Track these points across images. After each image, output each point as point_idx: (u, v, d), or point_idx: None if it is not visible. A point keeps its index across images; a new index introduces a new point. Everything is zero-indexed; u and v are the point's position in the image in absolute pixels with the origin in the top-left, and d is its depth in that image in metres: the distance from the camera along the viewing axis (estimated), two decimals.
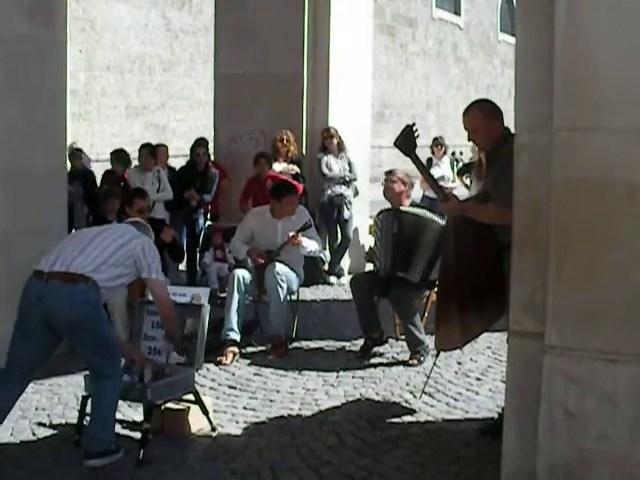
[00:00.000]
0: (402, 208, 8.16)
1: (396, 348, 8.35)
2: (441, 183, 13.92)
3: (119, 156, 12.35)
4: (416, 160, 6.04)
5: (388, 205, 8.40)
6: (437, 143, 15.93)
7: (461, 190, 13.41)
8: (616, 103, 4.14)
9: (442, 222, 7.77)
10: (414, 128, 5.94)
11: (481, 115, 5.86)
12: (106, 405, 5.60)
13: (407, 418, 6.54)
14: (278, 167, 11.52)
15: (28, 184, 7.84)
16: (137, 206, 8.57)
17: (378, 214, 8.37)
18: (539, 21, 4.48)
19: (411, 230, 8.02)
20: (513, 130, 4.87)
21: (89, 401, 5.95)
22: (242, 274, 8.35)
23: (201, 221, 11.94)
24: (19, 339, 5.54)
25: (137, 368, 6.01)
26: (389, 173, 8.42)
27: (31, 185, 7.87)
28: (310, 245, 8.73)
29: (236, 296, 8.23)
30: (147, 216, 8.67)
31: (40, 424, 6.37)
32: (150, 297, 6.52)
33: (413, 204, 8.38)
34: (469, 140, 5.96)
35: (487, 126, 5.83)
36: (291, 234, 8.53)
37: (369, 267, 9.44)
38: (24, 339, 5.53)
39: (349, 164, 12.07)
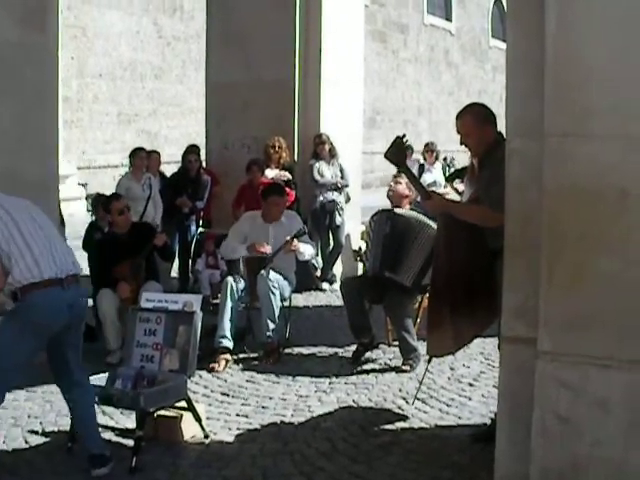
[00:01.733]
0: (397, 210, 8.18)
1: (388, 354, 8.36)
2: (433, 189, 14.02)
3: None
4: (407, 171, 6.08)
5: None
6: (428, 149, 15.96)
7: (452, 196, 13.40)
8: (607, 109, 4.15)
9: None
10: (404, 139, 5.97)
11: (474, 120, 5.87)
12: (94, 409, 5.65)
13: (400, 424, 6.54)
14: (270, 173, 11.52)
15: (20, 190, 7.80)
16: (115, 208, 8.59)
17: (373, 215, 8.40)
18: (529, 27, 4.49)
19: (403, 232, 8.01)
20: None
21: None
22: (235, 281, 8.35)
23: (193, 228, 11.93)
24: (28, 348, 5.33)
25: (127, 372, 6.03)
26: (398, 175, 8.47)
27: (23, 191, 7.83)
28: (307, 250, 8.74)
29: (229, 303, 8.22)
30: (129, 216, 8.67)
31: (32, 432, 6.36)
32: (142, 304, 6.52)
33: (411, 208, 8.39)
34: (461, 144, 5.98)
35: (479, 131, 5.84)
36: (287, 238, 8.53)
37: (361, 272, 9.41)
38: (33, 350, 5.40)
39: (341, 170, 12.08)
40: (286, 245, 8.52)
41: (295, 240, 8.57)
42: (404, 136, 6.01)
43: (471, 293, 5.85)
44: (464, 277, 5.87)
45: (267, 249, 8.53)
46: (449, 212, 6.00)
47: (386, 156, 6.02)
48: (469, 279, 5.86)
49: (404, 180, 8.28)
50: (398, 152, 5.98)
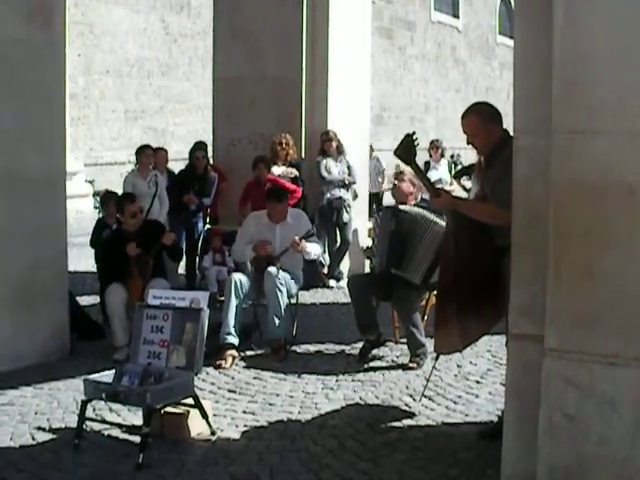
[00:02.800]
0: (402, 207, 8.13)
1: (395, 351, 8.35)
2: (438, 186, 14.01)
3: None
4: (416, 168, 6.08)
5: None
6: (434, 146, 15.94)
7: (458, 193, 13.41)
8: (614, 106, 4.15)
9: (444, 223, 7.77)
10: (414, 137, 5.96)
11: (480, 119, 5.85)
12: None
13: (407, 421, 6.54)
14: (277, 170, 11.53)
15: (27, 187, 7.85)
16: (129, 211, 8.57)
17: (378, 211, 8.38)
18: (537, 25, 4.49)
19: (409, 229, 7.98)
20: (511, 133, 4.88)
21: (89, 405, 5.97)
22: (239, 278, 8.34)
23: (200, 225, 11.94)
24: None
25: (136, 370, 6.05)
26: (400, 173, 8.45)
27: (30, 188, 7.88)
28: (314, 249, 8.74)
29: (234, 300, 8.22)
30: (141, 219, 8.66)
31: (39, 428, 6.37)
32: (149, 301, 6.52)
33: (416, 204, 8.35)
34: (468, 144, 5.97)
35: (486, 130, 5.82)
36: (296, 238, 8.52)
37: (368, 269, 9.37)
38: None
39: (348, 167, 12.07)
40: (293, 245, 8.52)
41: (302, 240, 8.56)
42: (414, 134, 6.00)
43: (478, 291, 5.84)
44: (471, 275, 5.87)
45: (269, 249, 8.52)
46: (457, 210, 6.01)
47: (396, 154, 6.03)
48: (476, 277, 5.85)
49: (407, 177, 8.27)
50: (408, 150, 5.98)
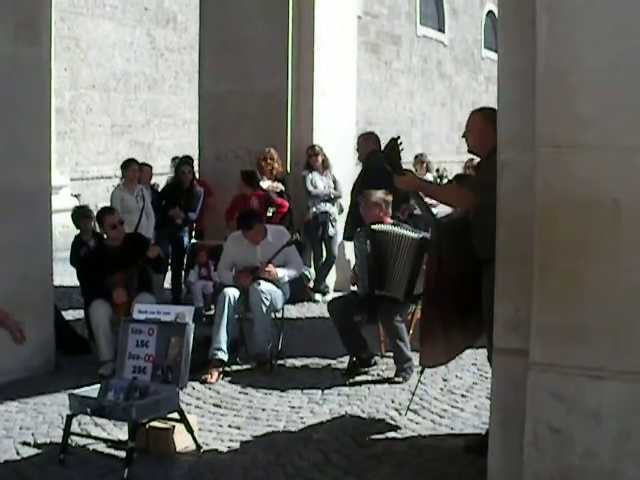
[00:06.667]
0: (374, 227, 8.07)
1: (381, 365, 8.34)
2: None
3: None
4: (400, 171, 5.95)
5: None
6: (419, 160, 15.91)
7: (445, 207, 13.40)
8: (598, 121, 4.17)
9: (415, 236, 7.82)
10: (399, 141, 5.94)
11: (481, 118, 5.93)
12: None
13: (392, 435, 6.53)
14: (263, 185, 11.52)
15: (12, 201, 7.83)
16: (108, 222, 8.56)
17: (358, 231, 8.35)
18: (521, 39, 4.51)
19: (384, 249, 7.94)
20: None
21: (74, 420, 5.95)
22: (233, 293, 8.30)
23: (186, 239, 11.92)
24: None
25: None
26: (364, 197, 8.39)
27: (16, 204, 7.86)
28: (286, 273, 8.69)
29: (226, 316, 8.18)
30: (122, 230, 8.65)
31: (24, 443, 6.34)
32: (134, 315, 6.51)
33: (393, 223, 8.28)
34: (462, 136, 6.02)
35: (481, 130, 5.84)
36: (270, 266, 8.51)
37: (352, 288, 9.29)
38: None
39: (334, 181, 12.08)
40: (263, 271, 8.48)
41: (270, 265, 8.53)
42: (398, 138, 5.96)
43: (463, 303, 5.84)
44: (455, 287, 5.86)
45: (248, 283, 8.49)
46: (421, 191, 6.09)
47: (384, 152, 6.03)
48: (460, 289, 5.84)
49: (371, 201, 8.22)
50: (392, 153, 5.95)
